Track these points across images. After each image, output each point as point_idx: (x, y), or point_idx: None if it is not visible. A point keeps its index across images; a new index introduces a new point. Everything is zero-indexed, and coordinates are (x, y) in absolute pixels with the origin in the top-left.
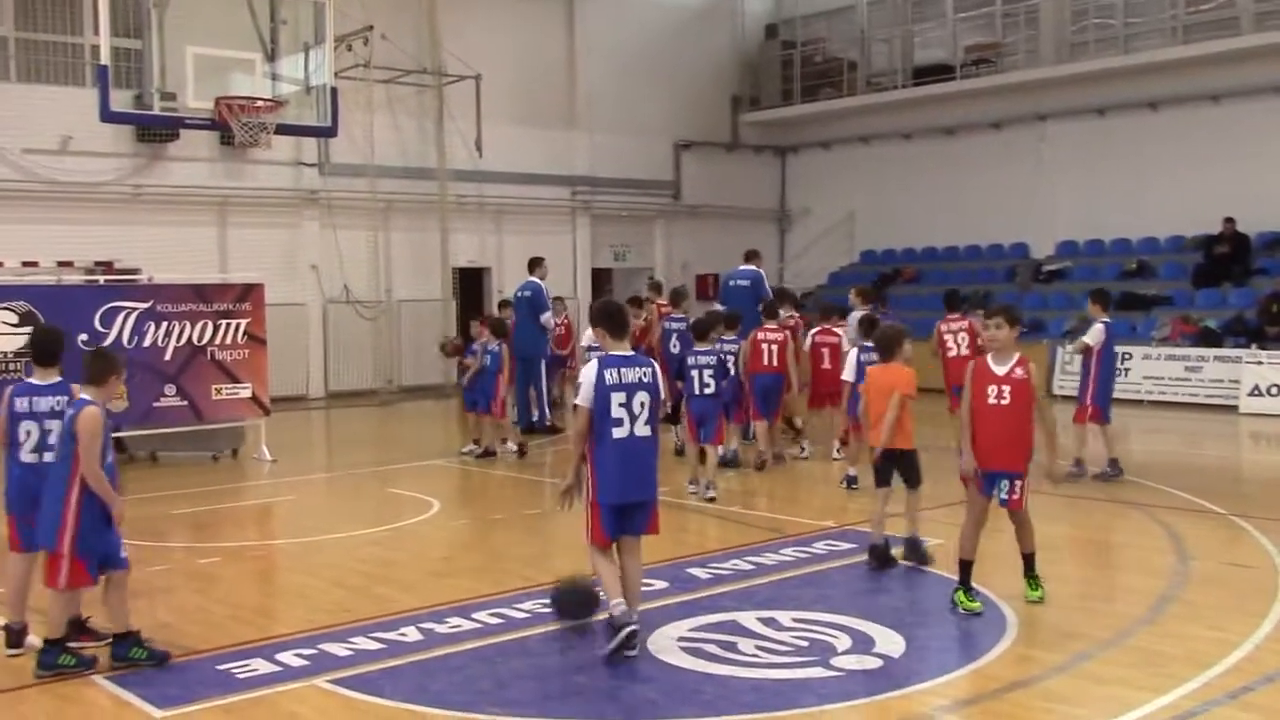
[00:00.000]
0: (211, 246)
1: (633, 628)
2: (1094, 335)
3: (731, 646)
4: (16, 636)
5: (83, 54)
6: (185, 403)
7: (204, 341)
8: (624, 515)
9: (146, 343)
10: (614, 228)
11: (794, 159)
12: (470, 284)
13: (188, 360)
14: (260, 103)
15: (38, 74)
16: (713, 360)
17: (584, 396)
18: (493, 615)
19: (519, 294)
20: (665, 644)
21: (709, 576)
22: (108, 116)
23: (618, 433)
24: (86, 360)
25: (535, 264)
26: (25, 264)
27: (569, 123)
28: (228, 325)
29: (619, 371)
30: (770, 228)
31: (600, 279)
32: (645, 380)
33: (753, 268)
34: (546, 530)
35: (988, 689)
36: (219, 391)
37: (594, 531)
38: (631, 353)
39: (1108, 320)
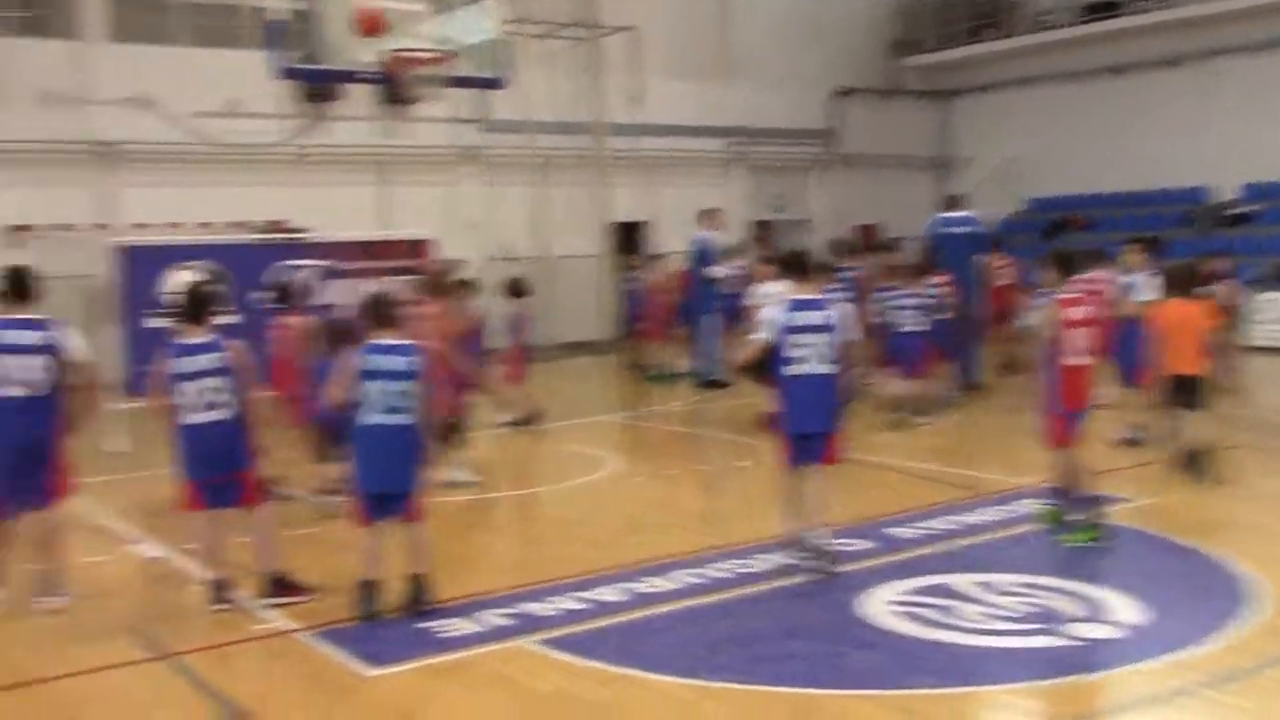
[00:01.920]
0: (373, 205)
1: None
2: None
3: (950, 611)
4: (222, 592)
5: (249, 16)
6: None
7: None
8: (807, 444)
9: (326, 300)
10: (771, 179)
11: (954, 104)
12: (629, 238)
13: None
14: (430, 55)
15: (205, 37)
16: (914, 301)
17: (765, 332)
18: (690, 574)
19: (688, 249)
20: (878, 608)
21: (912, 536)
22: (280, 74)
23: (795, 370)
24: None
25: (707, 216)
26: (201, 225)
27: (725, 73)
28: (397, 281)
29: (800, 314)
30: (928, 176)
31: (763, 231)
32: (825, 322)
33: (966, 213)
34: (721, 486)
35: (1244, 664)
36: None
37: (784, 458)
38: (816, 297)
39: None
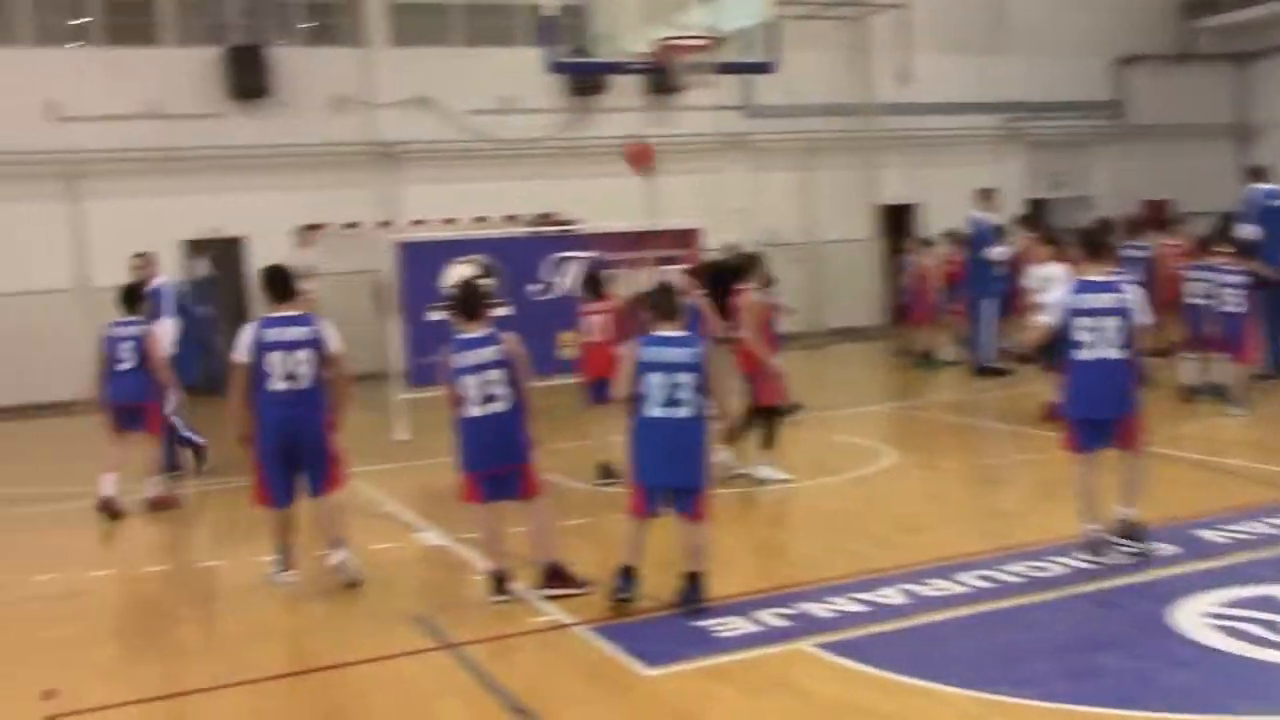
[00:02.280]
0: (640, 195)
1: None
2: None
3: (1278, 627)
4: (502, 583)
5: (520, 15)
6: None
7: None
8: (1096, 430)
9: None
10: (1050, 155)
11: (1257, 67)
12: (898, 221)
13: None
14: (699, 41)
15: (479, 37)
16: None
17: (1052, 317)
18: (980, 578)
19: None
20: (1193, 621)
21: (1224, 541)
22: (554, 67)
23: (1083, 354)
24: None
25: (983, 195)
26: (476, 220)
27: (999, 45)
28: (667, 271)
29: (1089, 296)
30: (1226, 146)
31: (1037, 210)
32: (1116, 305)
33: (1273, 185)
34: (1006, 481)
35: None
36: None
37: (1069, 441)
38: (1107, 279)
39: None
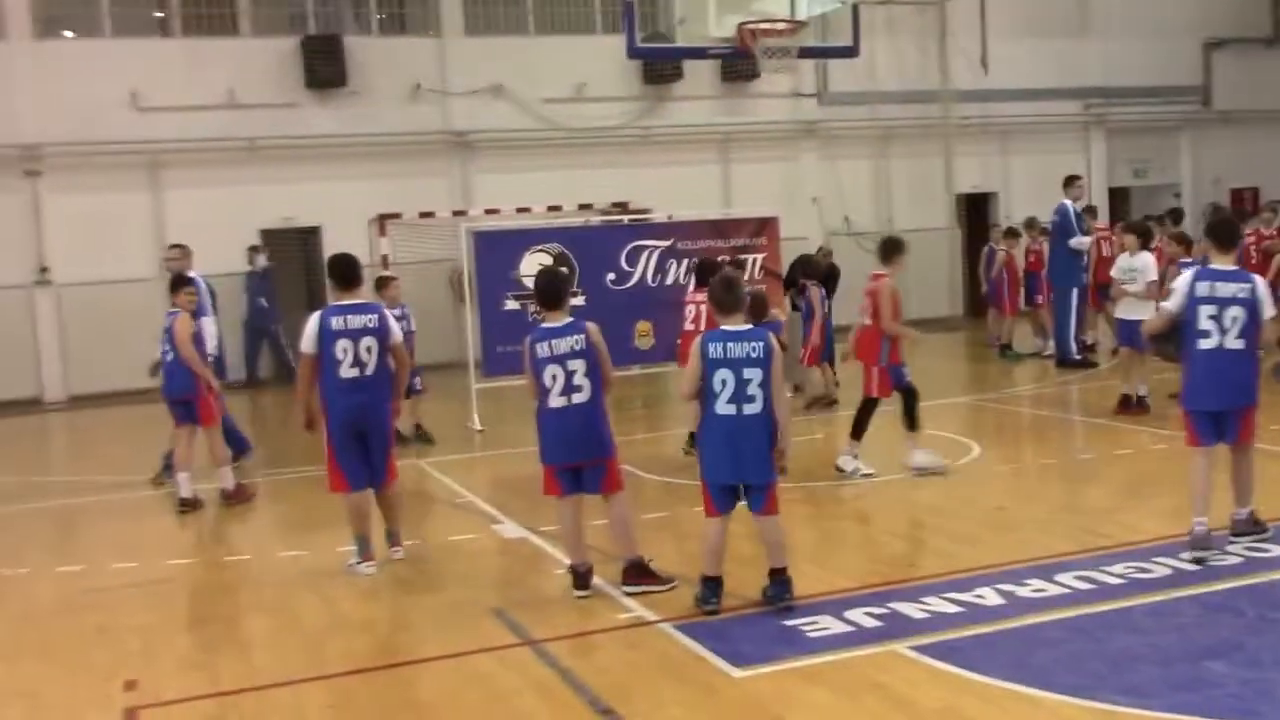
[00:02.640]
0: (715, 183)
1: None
2: None
3: None
4: (583, 579)
5: (592, 3)
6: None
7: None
8: (1213, 422)
9: (669, 280)
10: (1132, 142)
11: None
12: (976, 210)
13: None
14: (782, 25)
15: (552, 25)
16: None
17: (1174, 304)
18: (1078, 579)
19: (1051, 219)
20: None
21: None
22: (634, 52)
23: (1205, 344)
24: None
25: (1068, 183)
26: (550, 208)
27: (1080, 29)
28: (745, 261)
29: (1213, 285)
30: None
31: (1118, 199)
32: (1241, 296)
33: None
34: (1102, 477)
35: None
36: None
37: (1188, 434)
38: (1233, 268)
39: None
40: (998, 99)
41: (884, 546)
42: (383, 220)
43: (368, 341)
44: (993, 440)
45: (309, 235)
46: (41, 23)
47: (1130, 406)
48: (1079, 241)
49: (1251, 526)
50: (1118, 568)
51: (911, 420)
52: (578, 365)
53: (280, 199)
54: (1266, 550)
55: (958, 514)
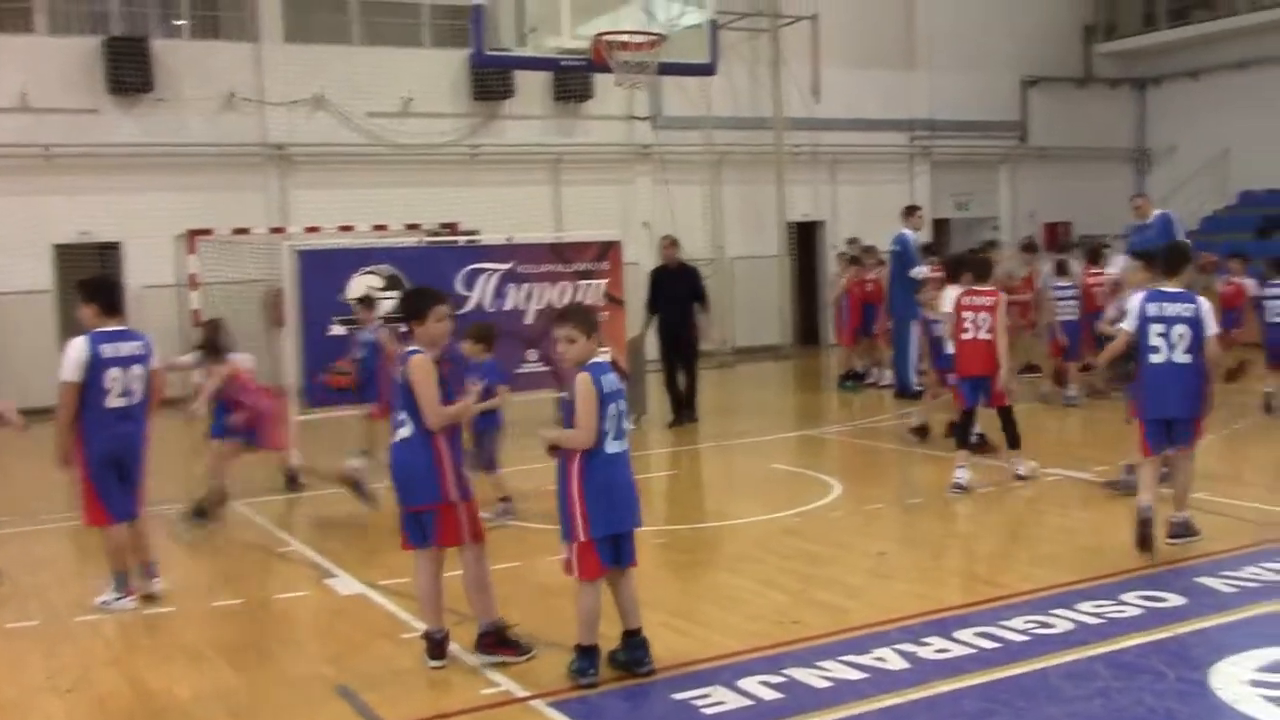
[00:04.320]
0: (546, 205)
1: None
2: None
3: None
4: (439, 647)
5: (421, 13)
6: (548, 368)
7: (564, 303)
8: (1169, 430)
9: (508, 306)
10: (955, 175)
11: (1156, 92)
12: (806, 239)
13: (548, 324)
14: (641, 39)
15: (379, 36)
16: None
17: (1129, 325)
18: (980, 636)
19: (890, 248)
20: (1236, 689)
21: (1231, 590)
22: (482, 60)
23: (1154, 359)
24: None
25: (908, 213)
26: (376, 227)
27: (908, 63)
28: (586, 286)
29: (1162, 306)
30: (1126, 169)
31: (941, 230)
32: (1185, 315)
33: None
34: (979, 518)
35: None
36: (561, 359)
37: (1142, 444)
38: (1180, 290)
39: None
40: (828, 128)
41: (762, 599)
42: (193, 236)
43: (137, 370)
44: (852, 478)
45: (108, 251)
46: None
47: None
48: (919, 271)
49: (1186, 530)
50: (1018, 622)
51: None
52: (401, 399)
53: (77, 212)
54: (1164, 600)
55: (836, 560)
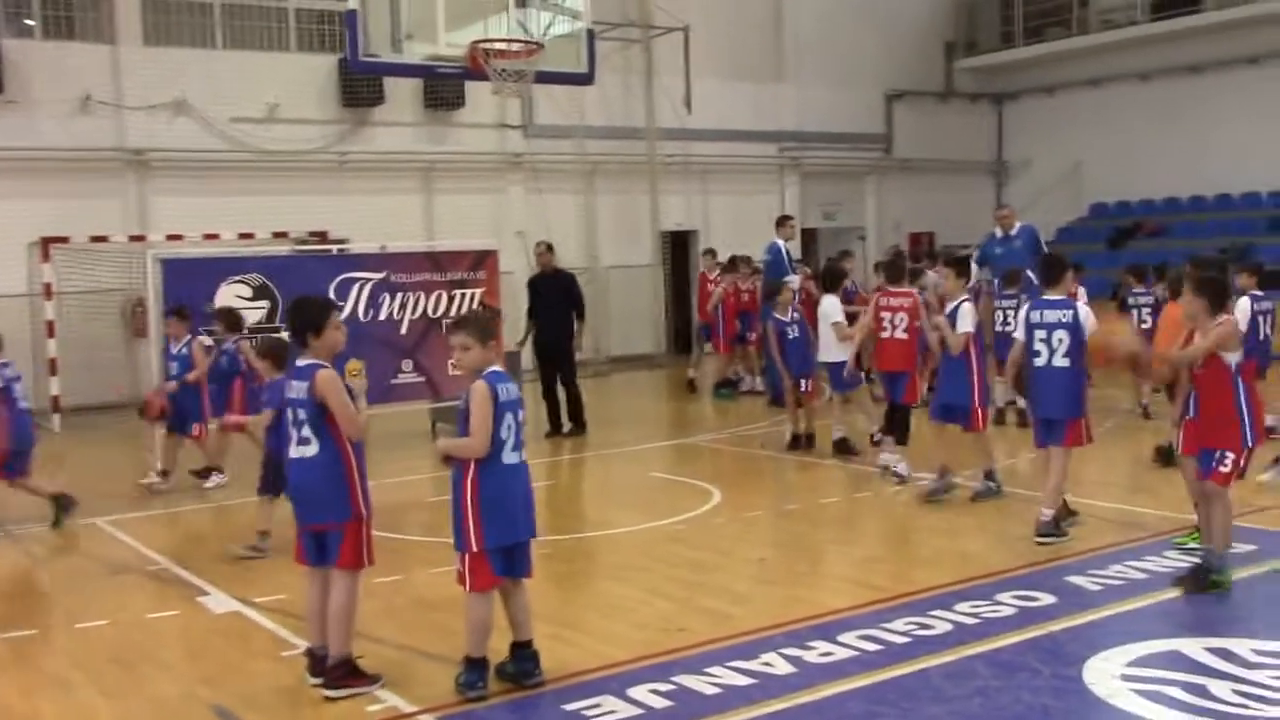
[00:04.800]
0: (417, 214)
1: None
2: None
3: (1201, 691)
4: (321, 663)
5: (287, 18)
6: (423, 379)
7: (439, 313)
8: (1048, 429)
9: (382, 315)
10: (823, 185)
11: (1013, 106)
12: (679, 248)
13: (423, 334)
14: (518, 46)
15: (243, 40)
16: None
17: (1021, 334)
18: (863, 639)
19: (763, 258)
20: (1109, 684)
21: (1098, 588)
22: (357, 66)
23: (1037, 362)
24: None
25: (780, 223)
26: (242, 236)
27: (776, 75)
28: (462, 295)
29: (1043, 313)
30: (986, 181)
31: (807, 240)
32: (1064, 321)
33: None
34: (854, 522)
35: None
36: (455, 367)
37: (1035, 438)
38: (1060, 298)
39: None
40: (699, 139)
41: (647, 606)
42: (47, 244)
43: None
44: (728, 485)
45: None
46: None
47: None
48: (792, 281)
49: (1053, 529)
50: (898, 624)
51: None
52: (302, 414)
53: None
54: (1036, 599)
55: (719, 567)
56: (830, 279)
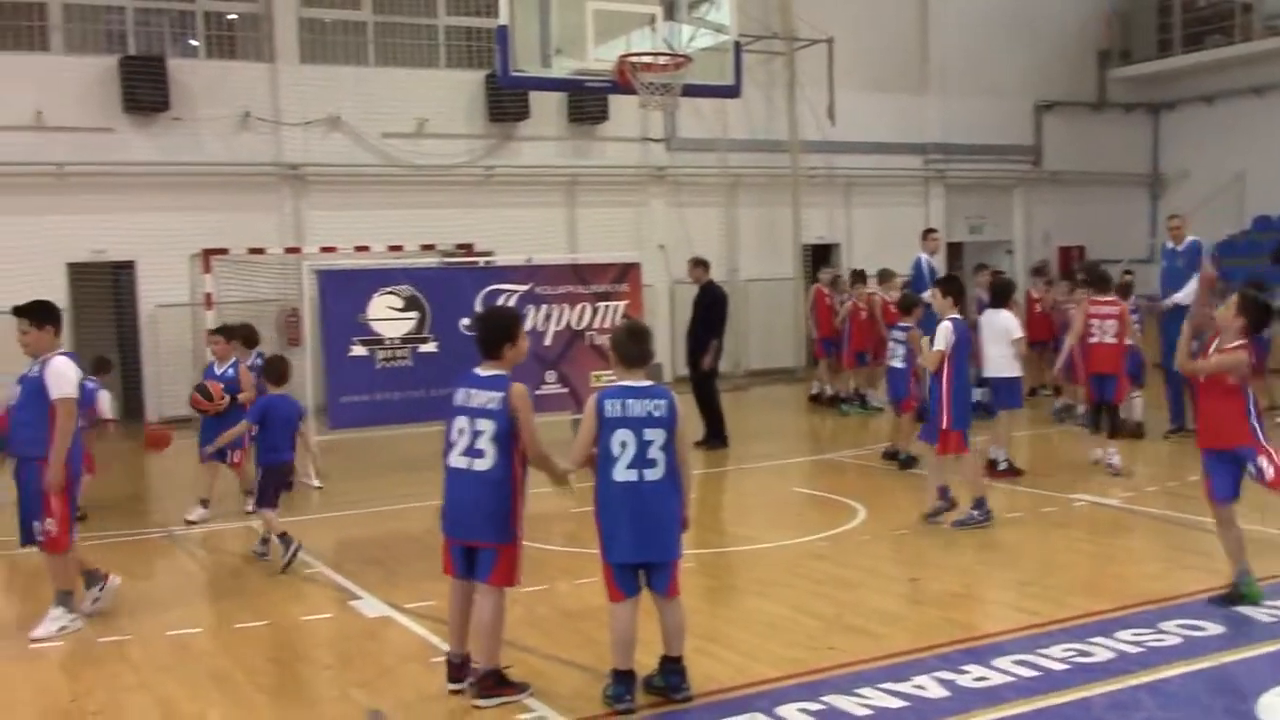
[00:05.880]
0: (560, 227)
1: None
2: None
3: None
4: (457, 671)
5: (437, 35)
6: (566, 390)
7: (582, 325)
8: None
9: (526, 327)
10: (969, 198)
11: (1170, 117)
12: (820, 261)
13: (567, 345)
14: (665, 60)
15: (394, 57)
16: None
17: None
18: (1019, 664)
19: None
20: None
21: (1270, 619)
22: (506, 81)
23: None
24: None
25: (924, 236)
26: (391, 248)
27: (921, 87)
28: (605, 308)
29: None
30: (1140, 193)
31: (955, 254)
32: None
33: None
34: (1006, 544)
35: None
36: (598, 378)
37: None
38: None
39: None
40: (843, 151)
41: (796, 625)
42: (208, 255)
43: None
44: (874, 502)
45: (122, 271)
46: None
47: (997, 470)
48: (930, 295)
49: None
50: (1056, 650)
51: None
52: (485, 426)
53: (91, 231)
54: (1202, 629)
55: (866, 585)
56: (1000, 293)
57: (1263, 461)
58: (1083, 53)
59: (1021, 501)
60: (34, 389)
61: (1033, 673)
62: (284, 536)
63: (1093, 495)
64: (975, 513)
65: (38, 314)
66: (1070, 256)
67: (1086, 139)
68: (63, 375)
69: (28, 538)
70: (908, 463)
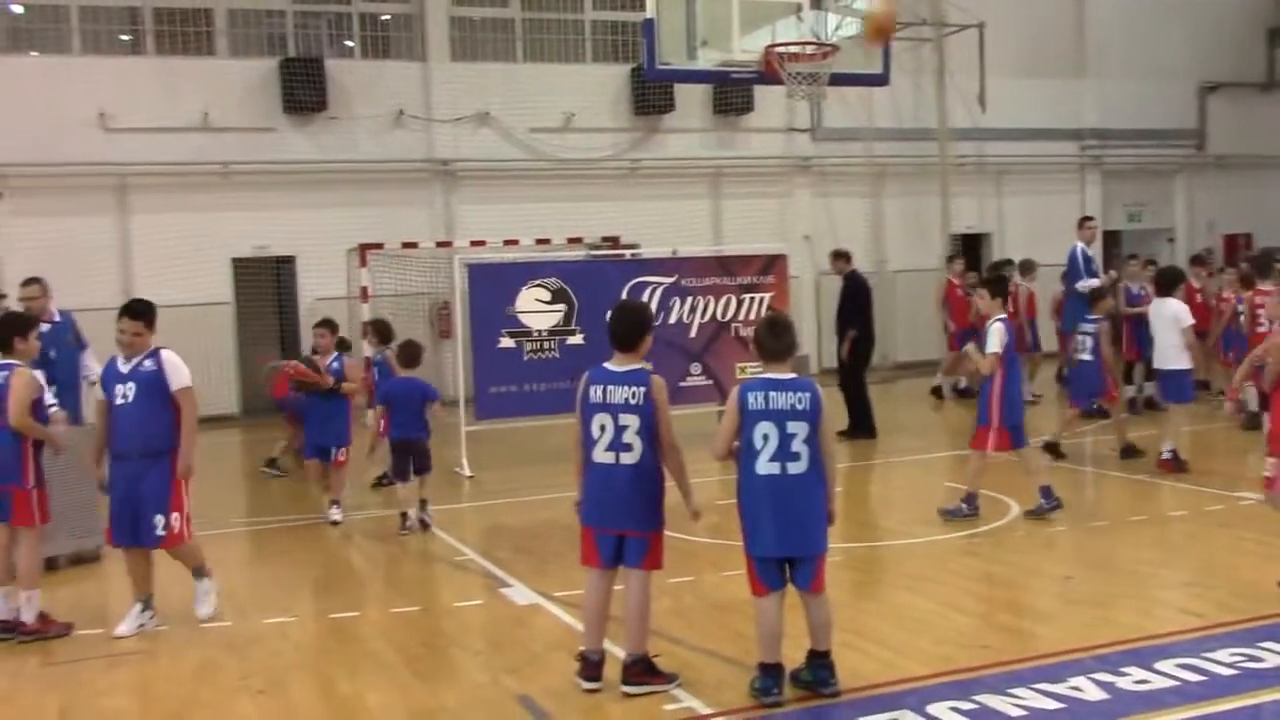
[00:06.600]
0: (706, 219)
1: None
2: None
3: None
4: (593, 669)
5: (583, 30)
6: (711, 382)
7: (728, 317)
8: None
9: (672, 319)
10: (1127, 185)
11: None
12: (970, 251)
13: (713, 337)
14: (811, 49)
15: (542, 53)
16: None
17: None
18: (1182, 667)
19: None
20: None
21: None
22: (653, 74)
23: None
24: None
25: (1080, 224)
26: (539, 241)
27: (1077, 70)
28: (751, 300)
29: None
30: None
31: (1112, 243)
32: None
33: None
34: (1170, 543)
35: None
36: (743, 370)
37: None
38: None
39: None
40: (994, 138)
41: (946, 621)
42: (364, 250)
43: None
44: (1027, 497)
45: (283, 265)
46: (6, 39)
47: (1169, 463)
48: (1085, 284)
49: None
50: (1222, 654)
51: None
52: (630, 421)
53: (254, 227)
54: None
55: (1019, 583)
56: (1168, 281)
57: None
58: (1251, 30)
59: (1186, 499)
60: (149, 382)
61: (1198, 677)
62: (422, 503)
63: (1257, 493)
64: (963, 505)
65: (151, 316)
66: (1236, 245)
67: (1254, 121)
68: (180, 366)
69: (135, 537)
70: (1127, 452)
